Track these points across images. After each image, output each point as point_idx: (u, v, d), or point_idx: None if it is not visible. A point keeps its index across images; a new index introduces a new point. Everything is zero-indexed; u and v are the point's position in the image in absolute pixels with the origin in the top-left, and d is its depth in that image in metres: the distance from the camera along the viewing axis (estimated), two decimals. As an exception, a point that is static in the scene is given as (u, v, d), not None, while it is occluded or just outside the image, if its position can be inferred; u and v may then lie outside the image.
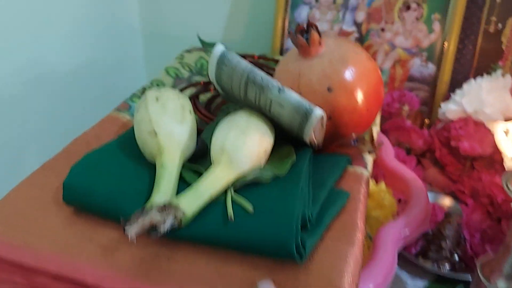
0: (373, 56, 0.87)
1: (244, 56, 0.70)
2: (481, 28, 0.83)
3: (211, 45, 0.89)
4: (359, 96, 0.50)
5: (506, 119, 0.70)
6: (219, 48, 0.45)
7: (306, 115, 0.42)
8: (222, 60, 0.44)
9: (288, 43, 0.90)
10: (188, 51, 0.75)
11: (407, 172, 0.57)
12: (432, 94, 0.85)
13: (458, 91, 0.75)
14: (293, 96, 0.43)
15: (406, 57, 0.85)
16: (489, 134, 0.70)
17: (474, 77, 0.84)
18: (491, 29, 0.83)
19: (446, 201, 0.75)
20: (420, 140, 0.77)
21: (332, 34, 0.55)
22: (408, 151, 0.79)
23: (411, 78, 0.86)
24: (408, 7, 0.84)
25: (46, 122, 0.83)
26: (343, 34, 0.87)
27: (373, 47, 0.87)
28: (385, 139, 0.65)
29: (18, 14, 0.74)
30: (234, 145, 0.40)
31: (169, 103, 0.43)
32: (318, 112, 0.43)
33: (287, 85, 0.52)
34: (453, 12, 0.81)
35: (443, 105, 0.76)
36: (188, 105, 0.45)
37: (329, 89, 0.50)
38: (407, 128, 0.77)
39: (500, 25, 0.82)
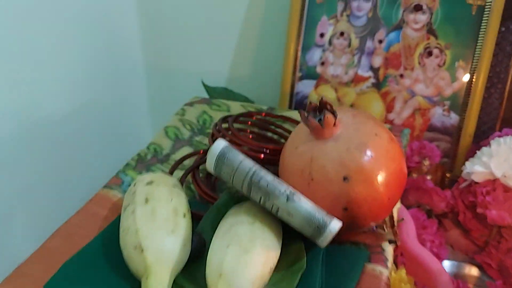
0: (391, 103, 0.80)
1: (250, 114, 0.64)
2: (509, 76, 0.76)
3: (215, 91, 0.83)
4: (380, 185, 0.44)
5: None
6: (219, 145, 0.39)
7: (319, 229, 0.37)
8: (222, 159, 0.39)
9: (299, 87, 0.84)
10: (190, 104, 0.69)
11: (432, 262, 0.51)
12: (455, 145, 0.79)
13: (484, 150, 0.68)
14: (304, 206, 0.37)
15: (427, 106, 0.79)
16: (521, 202, 0.64)
17: (501, 129, 0.78)
18: (521, 77, 0.76)
19: (473, 272, 0.68)
20: (443, 203, 0.70)
21: (348, 111, 0.49)
22: (429, 213, 0.73)
23: (431, 128, 0.80)
24: (430, 53, 0.77)
25: (38, 175, 0.78)
26: (358, 79, 0.81)
27: (391, 94, 0.80)
28: (406, 214, 0.59)
29: (10, 53, 0.69)
30: (234, 269, 0.34)
31: (159, 207, 0.38)
32: (335, 227, 0.36)
33: (297, 169, 0.46)
34: (480, 60, 0.74)
35: (468, 164, 0.69)
36: (183, 207, 0.39)
37: (345, 179, 0.44)
38: (428, 189, 0.71)
39: (531, 74, 0.75)
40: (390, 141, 0.46)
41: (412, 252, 0.52)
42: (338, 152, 0.44)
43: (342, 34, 0.81)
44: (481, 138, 0.78)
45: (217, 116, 0.67)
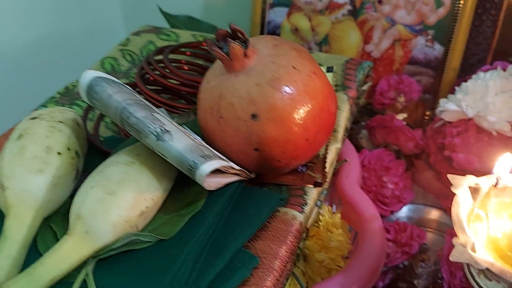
0: (369, 33, 0.72)
1: (191, 45, 0.58)
2: (504, 1, 0.66)
3: (178, 19, 0.77)
4: (294, 124, 0.39)
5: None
6: (86, 76, 0.35)
7: (190, 171, 0.33)
8: (91, 93, 0.34)
9: (271, 15, 0.77)
10: (136, 33, 0.64)
11: (367, 207, 0.46)
12: (438, 80, 0.71)
13: (463, 86, 0.61)
14: (174, 146, 0.33)
15: (408, 36, 0.71)
16: (494, 145, 0.57)
17: (492, 63, 0.69)
18: (519, 1, 0.66)
19: (435, 216, 0.64)
20: (411, 143, 0.64)
21: (271, 40, 0.43)
22: (399, 154, 0.67)
23: (413, 61, 0.72)
24: (412, -26, 0.68)
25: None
26: (333, 6, 0.73)
27: (368, 23, 0.72)
28: (352, 155, 0.54)
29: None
30: (93, 212, 0.31)
31: (30, 144, 0.35)
32: (205, 170, 0.32)
33: (208, 106, 0.41)
34: (469, -20, 0.65)
35: (442, 101, 0.62)
36: (60, 144, 0.36)
37: (254, 116, 0.39)
38: (395, 127, 0.65)
39: (530, -3, 0.65)
40: (311, 75, 0.40)
41: (347, 196, 0.48)
42: (247, 87, 0.39)
43: (315, -47, 0.72)
44: (469, 72, 0.70)
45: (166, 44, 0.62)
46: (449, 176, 0.38)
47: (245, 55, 0.39)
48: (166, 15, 0.76)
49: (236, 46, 0.38)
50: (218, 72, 0.42)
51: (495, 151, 0.57)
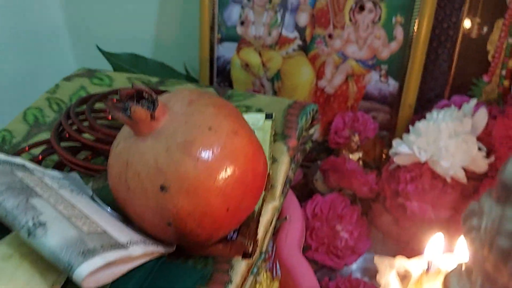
0: (321, 68, 0.69)
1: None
2: (459, 33, 0.63)
3: (120, 58, 0.73)
4: (212, 194, 0.35)
5: (472, 178, 0.52)
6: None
7: (67, 272, 0.28)
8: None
9: (220, 50, 0.73)
10: (68, 78, 0.59)
11: (305, 277, 0.42)
12: (395, 117, 0.67)
13: (416, 126, 0.57)
14: (47, 243, 0.28)
15: (361, 71, 0.67)
16: (448, 193, 0.53)
17: (450, 97, 0.65)
18: (474, 34, 0.63)
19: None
20: (365, 187, 0.60)
21: (187, 96, 0.38)
22: (354, 198, 0.63)
23: (368, 97, 0.68)
24: (362, 8, 0.64)
25: None
26: (283, 40, 0.69)
27: (320, 58, 0.68)
28: (295, 212, 0.49)
29: None
30: None
31: None
32: (81, 274, 0.27)
33: (115, 173, 0.37)
34: (420, 13, 0.61)
35: (395, 142, 0.58)
36: None
37: (163, 188, 0.34)
38: (347, 171, 0.60)
39: (485, 29, 0.62)
40: (231, 136, 0.36)
41: (285, 262, 0.44)
42: (154, 154, 0.35)
43: (261, -14, 0.68)
44: (427, 107, 0.66)
45: (97, 92, 0.57)
46: (375, 259, 0.34)
47: (152, 117, 0.35)
48: (106, 54, 0.71)
49: (138, 109, 0.34)
50: (127, 133, 0.37)
51: (450, 200, 0.54)
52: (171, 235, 0.37)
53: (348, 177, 0.61)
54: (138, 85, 0.35)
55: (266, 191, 0.45)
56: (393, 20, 0.63)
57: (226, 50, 0.73)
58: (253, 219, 0.42)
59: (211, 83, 0.74)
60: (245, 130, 0.38)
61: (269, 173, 0.46)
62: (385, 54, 0.65)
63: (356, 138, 0.65)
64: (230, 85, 0.74)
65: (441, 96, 0.67)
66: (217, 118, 0.36)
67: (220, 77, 0.74)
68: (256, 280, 0.43)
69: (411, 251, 0.54)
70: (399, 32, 0.63)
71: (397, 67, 0.65)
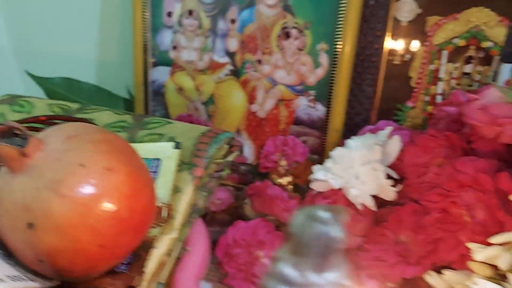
0: (252, 93, 0.69)
1: (27, 120, 0.53)
2: (382, 60, 0.64)
3: (53, 82, 0.73)
4: (81, 232, 0.35)
5: (380, 206, 0.53)
6: None
7: None
8: None
9: (154, 74, 0.73)
10: (-13, 105, 0.59)
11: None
12: (323, 142, 0.68)
13: (331, 154, 0.57)
14: None
15: (290, 96, 0.67)
16: (359, 220, 0.53)
17: (375, 122, 0.66)
18: (397, 60, 0.64)
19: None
20: (286, 213, 0.60)
21: (66, 131, 0.38)
22: (279, 224, 0.63)
23: (298, 121, 0.69)
24: (288, 34, 0.65)
25: None
26: (215, 65, 0.70)
27: (250, 82, 0.69)
28: (199, 243, 0.49)
29: None
30: None
31: None
32: None
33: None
34: (343, 40, 0.62)
35: (314, 168, 0.59)
36: None
37: (30, 226, 0.34)
38: (269, 196, 0.60)
39: (407, 56, 0.63)
40: (104, 173, 0.36)
41: (179, 295, 0.43)
42: (23, 192, 0.35)
43: (191, 13, 0.68)
44: (355, 132, 0.67)
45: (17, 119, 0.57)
46: None
47: (23, 154, 0.35)
48: (37, 79, 0.71)
49: (5, 148, 0.34)
50: (5, 169, 0.37)
51: (360, 227, 0.54)
52: (47, 270, 0.36)
53: (270, 202, 0.61)
54: (9, 122, 0.35)
55: (164, 222, 0.45)
56: (318, 47, 0.64)
57: (160, 74, 0.73)
58: (144, 252, 0.42)
59: (146, 107, 0.75)
60: (125, 167, 0.38)
61: (170, 204, 0.46)
62: (312, 80, 0.66)
63: (283, 162, 0.66)
64: (165, 109, 0.74)
65: (368, 121, 0.67)
66: (93, 154, 0.36)
67: (155, 100, 0.74)
68: (151, 313, 0.43)
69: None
70: (324, 59, 0.64)
71: (324, 92, 0.65)
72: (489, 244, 0.39)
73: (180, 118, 0.70)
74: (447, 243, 0.44)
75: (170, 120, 0.57)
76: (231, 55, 0.68)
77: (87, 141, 0.37)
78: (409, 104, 0.65)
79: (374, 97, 0.66)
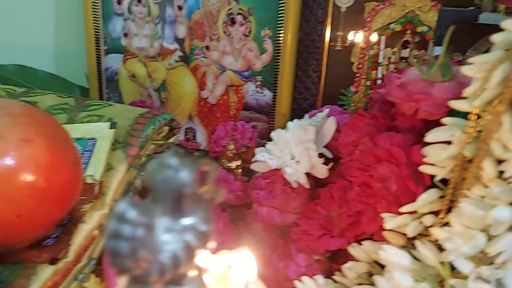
0: (202, 79, 0.70)
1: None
2: (324, 46, 0.66)
3: (7, 69, 0.74)
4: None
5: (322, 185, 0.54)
6: None
7: None
8: None
9: (108, 61, 0.75)
10: None
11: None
12: (272, 127, 0.69)
13: (272, 134, 0.59)
14: None
15: (239, 82, 0.69)
16: (293, 198, 0.55)
17: (322, 106, 0.68)
18: (338, 46, 0.65)
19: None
20: (230, 194, 0.62)
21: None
22: (224, 206, 0.65)
23: (247, 107, 0.70)
24: (233, 21, 0.66)
25: None
26: (165, 52, 0.71)
27: (200, 69, 0.70)
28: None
29: None
30: None
31: None
32: None
33: None
34: (285, 27, 0.64)
35: (257, 150, 0.60)
36: None
37: None
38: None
39: (348, 42, 0.65)
40: (21, 144, 0.37)
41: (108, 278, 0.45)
42: None
43: (139, 0, 0.70)
44: (302, 117, 0.69)
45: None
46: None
47: None
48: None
49: None
50: None
51: (295, 205, 0.56)
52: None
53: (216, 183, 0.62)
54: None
55: (96, 198, 0.46)
56: (262, 33, 0.65)
57: (113, 61, 0.74)
58: (73, 226, 0.43)
59: (100, 94, 0.76)
60: (44, 139, 0.39)
61: (101, 181, 0.48)
62: (258, 65, 0.67)
63: (231, 146, 0.67)
64: (120, 96, 0.76)
65: (315, 106, 0.69)
66: (10, 126, 0.38)
67: (110, 87, 0.76)
68: (82, 286, 0.44)
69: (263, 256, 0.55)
70: (268, 45, 0.66)
71: (270, 78, 0.67)
72: (401, 214, 0.41)
73: (133, 105, 0.71)
74: (367, 216, 0.45)
75: (111, 103, 0.58)
76: (180, 41, 0.70)
77: (5, 114, 0.38)
78: (352, 89, 0.67)
79: (319, 83, 0.68)
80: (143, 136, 0.52)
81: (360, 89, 0.66)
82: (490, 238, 0.33)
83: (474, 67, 0.34)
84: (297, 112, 0.69)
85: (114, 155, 0.50)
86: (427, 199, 0.38)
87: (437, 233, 0.36)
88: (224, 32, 0.67)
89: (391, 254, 0.38)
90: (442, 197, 0.38)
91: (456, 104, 0.36)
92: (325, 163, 0.55)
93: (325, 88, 0.68)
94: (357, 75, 0.66)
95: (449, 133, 0.37)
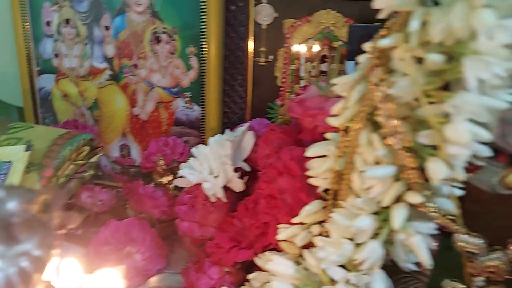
0: (133, 96, 0.72)
1: None
2: (248, 62, 0.68)
3: None
4: None
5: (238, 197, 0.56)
6: None
7: None
8: None
9: (41, 82, 0.75)
10: None
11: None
12: (203, 141, 0.71)
13: (193, 149, 0.60)
14: None
15: (168, 98, 0.70)
16: (211, 212, 0.56)
17: (250, 120, 0.70)
18: (262, 62, 0.67)
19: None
20: (156, 210, 0.63)
21: None
22: (154, 221, 0.66)
23: (178, 122, 0.72)
24: (158, 39, 0.68)
25: None
26: (95, 71, 0.72)
27: (130, 86, 0.72)
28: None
29: None
30: None
31: None
32: None
33: None
34: (208, 44, 0.66)
35: (182, 166, 0.62)
36: None
37: None
38: (141, 195, 0.63)
39: (271, 57, 0.67)
40: None
41: None
42: None
43: (68, 21, 0.71)
44: (233, 130, 0.70)
45: None
46: None
47: None
48: None
49: None
50: None
51: (214, 218, 0.57)
52: None
53: (141, 201, 0.63)
54: None
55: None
56: (187, 50, 0.67)
57: (46, 81, 0.75)
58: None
59: (35, 114, 0.76)
60: None
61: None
62: (186, 82, 0.69)
63: (161, 162, 0.68)
64: (54, 115, 0.76)
65: (243, 120, 0.71)
66: None
67: (44, 107, 0.76)
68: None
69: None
70: (194, 62, 0.67)
71: (198, 93, 0.69)
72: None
73: (66, 124, 0.72)
74: (273, 227, 0.47)
75: (32, 125, 0.59)
76: (109, 60, 0.71)
77: None
78: (278, 102, 0.69)
79: (246, 97, 0.70)
80: (59, 157, 0.53)
81: (285, 102, 0.69)
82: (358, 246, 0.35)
83: (339, 86, 0.36)
84: (228, 126, 0.71)
85: (28, 177, 0.51)
86: (310, 210, 0.40)
87: (316, 242, 0.38)
88: (151, 50, 0.69)
89: (277, 264, 0.39)
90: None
91: (330, 121, 0.38)
92: (242, 177, 0.57)
93: (253, 102, 0.70)
94: (282, 89, 0.68)
95: (326, 148, 0.39)
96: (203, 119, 0.70)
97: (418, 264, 0.34)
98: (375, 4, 0.31)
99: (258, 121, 0.69)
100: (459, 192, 0.33)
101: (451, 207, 0.33)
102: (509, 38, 0.26)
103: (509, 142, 0.32)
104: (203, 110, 0.69)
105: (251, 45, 0.66)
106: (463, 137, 0.28)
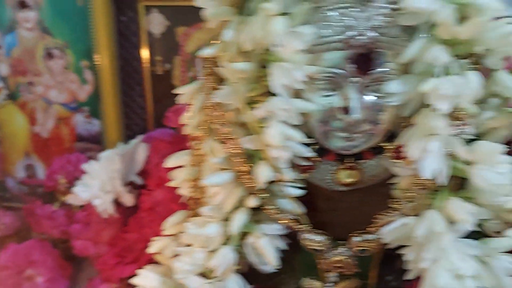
0: (32, 115, 0.70)
1: None
2: (144, 72, 0.67)
3: None
4: None
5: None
6: None
7: None
8: None
9: None
10: None
11: None
12: (107, 154, 0.70)
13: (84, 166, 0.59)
14: None
15: (67, 114, 0.69)
16: (104, 228, 0.56)
17: (153, 130, 0.69)
18: (159, 71, 0.67)
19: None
20: (55, 230, 0.61)
21: None
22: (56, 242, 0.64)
23: (80, 138, 0.70)
24: (50, 55, 0.67)
25: None
26: (-10, 91, 0.70)
27: (28, 104, 0.70)
28: None
29: None
30: None
31: None
32: None
33: None
34: (101, 56, 0.65)
35: (77, 183, 0.60)
36: None
37: None
38: (39, 216, 0.62)
39: (167, 66, 0.67)
40: None
41: None
42: None
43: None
44: (137, 142, 0.70)
45: None
46: None
47: None
48: None
49: None
50: None
51: (107, 235, 0.57)
52: None
53: (39, 221, 0.62)
54: None
55: None
56: (81, 64, 0.66)
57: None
58: None
59: None
60: None
61: None
62: (83, 96, 0.68)
63: (62, 180, 0.67)
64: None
65: (146, 130, 0.70)
66: None
67: None
68: None
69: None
70: (88, 75, 0.66)
71: (96, 107, 0.68)
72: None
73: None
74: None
75: None
76: (4, 79, 0.69)
77: None
78: (180, 110, 0.68)
79: (146, 107, 0.69)
80: None
81: (186, 110, 0.68)
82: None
83: (184, 95, 0.36)
84: (130, 137, 0.70)
85: None
86: (174, 221, 0.40)
87: (177, 252, 0.38)
88: (45, 66, 0.67)
89: (143, 278, 0.39)
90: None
91: (184, 129, 0.38)
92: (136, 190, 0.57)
93: (155, 112, 0.69)
94: (181, 97, 0.68)
95: (183, 158, 0.39)
96: (103, 132, 0.69)
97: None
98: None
99: (161, 131, 0.68)
100: (297, 192, 0.33)
101: (293, 207, 0.34)
102: (301, 44, 0.27)
103: (331, 141, 0.32)
104: (102, 124, 0.68)
105: (146, 54, 0.66)
106: (275, 140, 0.29)
